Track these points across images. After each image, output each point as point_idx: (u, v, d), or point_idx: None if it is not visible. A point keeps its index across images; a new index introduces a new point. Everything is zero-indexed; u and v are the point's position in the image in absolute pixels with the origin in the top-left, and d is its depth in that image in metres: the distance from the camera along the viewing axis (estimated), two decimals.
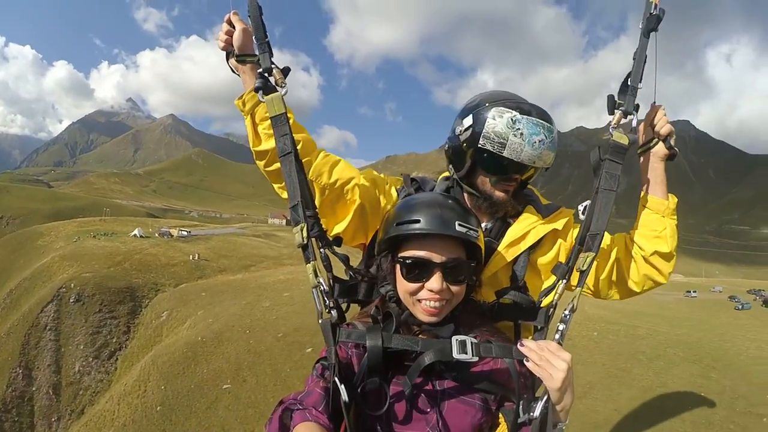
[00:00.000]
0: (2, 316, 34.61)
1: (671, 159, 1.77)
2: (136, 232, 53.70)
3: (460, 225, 1.38)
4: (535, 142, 1.60)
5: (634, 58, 1.71)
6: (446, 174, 1.94)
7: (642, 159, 1.80)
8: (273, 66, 1.69)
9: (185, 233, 57.70)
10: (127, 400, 19.02)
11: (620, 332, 16.68)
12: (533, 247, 1.76)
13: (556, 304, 1.59)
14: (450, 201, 1.50)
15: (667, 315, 25.06)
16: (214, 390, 15.77)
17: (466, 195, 1.82)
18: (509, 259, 1.73)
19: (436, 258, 1.38)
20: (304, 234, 1.53)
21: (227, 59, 1.82)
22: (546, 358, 1.31)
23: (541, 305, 1.64)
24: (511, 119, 1.59)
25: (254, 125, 1.74)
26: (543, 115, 1.63)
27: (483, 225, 1.74)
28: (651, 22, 1.68)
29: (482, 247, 1.51)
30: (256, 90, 1.68)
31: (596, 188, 1.62)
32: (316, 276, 1.52)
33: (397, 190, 1.91)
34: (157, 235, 56.29)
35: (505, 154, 1.60)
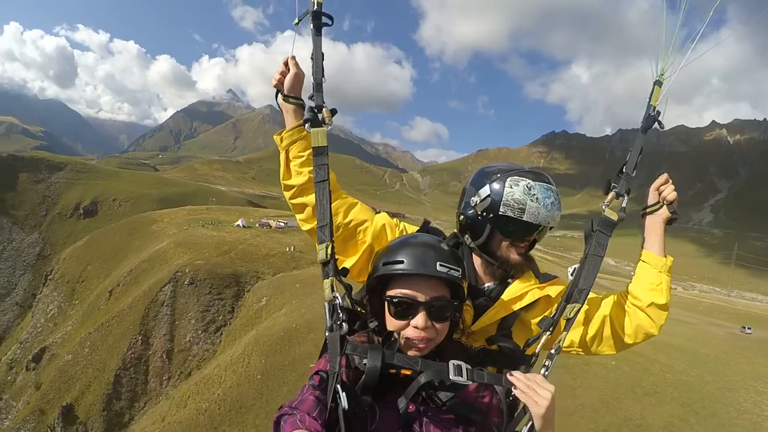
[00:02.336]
0: (123, 290, 40.91)
1: (671, 223, 1.88)
2: (239, 222, 57.11)
3: (441, 265, 1.42)
4: (548, 205, 1.76)
5: (630, 150, 1.89)
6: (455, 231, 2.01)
7: (646, 220, 1.91)
8: (324, 105, 1.80)
9: (282, 224, 60.03)
10: (233, 368, 23.80)
11: (636, 364, 17.41)
12: (526, 307, 1.86)
13: (538, 353, 1.65)
14: (434, 242, 1.55)
15: (699, 352, 24.66)
16: (303, 367, 19.80)
17: (478, 260, 1.94)
18: (502, 315, 1.82)
19: (421, 297, 1.43)
20: (329, 252, 1.61)
21: (276, 96, 1.97)
22: (532, 387, 1.40)
23: (525, 353, 1.68)
24: (527, 186, 1.76)
25: (287, 161, 1.88)
26: (549, 180, 1.82)
27: (486, 285, 1.90)
28: (649, 122, 1.87)
29: (464, 286, 1.53)
30: (305, 122, 1.80)
31: (586, 254, 1.76)
32: (333, 291, 1.56)
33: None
34: (257, 225, 59.67)
35: (525, 218, 1.75)
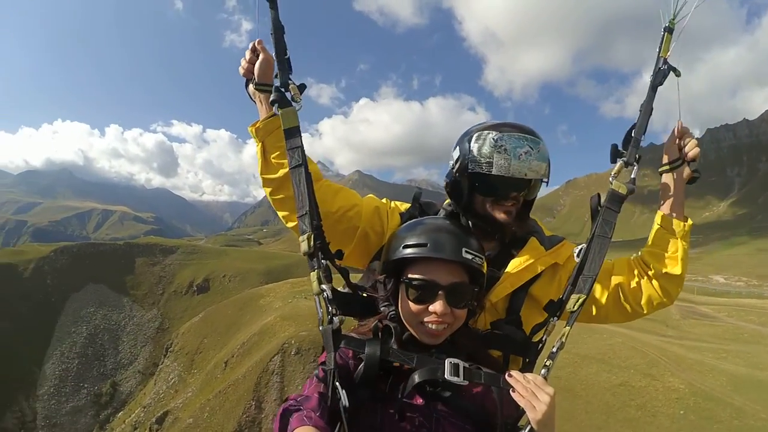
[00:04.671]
0: (237, 361, 45.31)
1: (692, 182, 1.74)
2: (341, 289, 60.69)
3: (466, 251, 1.42)
4: (521, 155, 1.62)
5: (640, 110, 1.71)
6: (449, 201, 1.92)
7: (663, 178, 1.76)
8: (290, 82, 1.70)
9: None
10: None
11: (705, 411, 16.31)
12: (533, 280, 1.75)
13: (545, 341, 1.62)
14: (457, 227, 1.54)
15: None
16: None
17: (471, 224, 1.80)
18: (511, 289, 1.72)
19: (442, 281, 1.41)
20: (311, 243, 1.52)
21: (246, 86, 1.84)
22: (531, 390, 1.32)
23: (532, 340, 1.66)
24: (493, 139, 1.65)
25: (264, 153, 1.76)
26: (525, 130, 1.68)
27: (487, 253, 1.63)
28: (659, 77, 1.69)
29: (485, 273, 1.53)
30: (272, 103, 1.68)
31: (592, 234, 1.62)
32: (320, 283, 1.50)
33: (401, 214, 1.89)
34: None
35: (494, 172, 1.63)
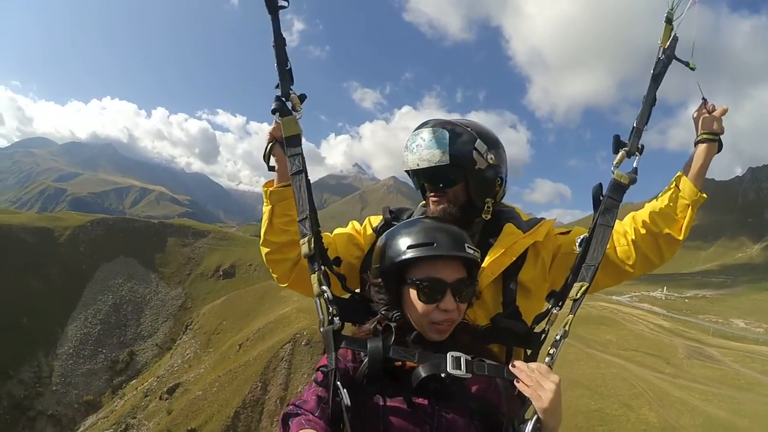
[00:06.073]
0: (251, 345, 47.45)
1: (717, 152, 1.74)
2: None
3: (468, 247, 1.43)
4: (413, 147, 1.71)
5: (642, 101, 1.68)
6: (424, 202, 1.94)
7: (697, 147, 1.74)
8: (291, 92, 1.71)
9: None
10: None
11: None
12: (519, 266, 1.74)
13: (548, 331, 1.61)
14: (452, 225, 1.54)
15: None
16: None
17: None
18: (492, 277, 1.70)
19: (448, 279, 1.40)
20: (312, 245, 1.55)
21: (269, 148, 1.77)
22: (536, 380, 1.30)
23: (534, 331, 1.65)
24: (407, 141, 1.76)
25: (272, 216, 1.75)
26: (426, 124, 1.75)
27: None
28: (660, 67, 1.67)
29: (480, 265, 1.56)
30: (273, 111, 1.70)
31: (594, 222, 1.61)
32: (321, 285, 1.51)
33: (373, 229, 1.95)
34: None
35: (405, 168, 1.78)
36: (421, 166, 1.71)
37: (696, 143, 1.75)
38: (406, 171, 1.80)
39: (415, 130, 1.75)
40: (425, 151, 1.69)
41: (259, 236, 1.82)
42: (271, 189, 1.77)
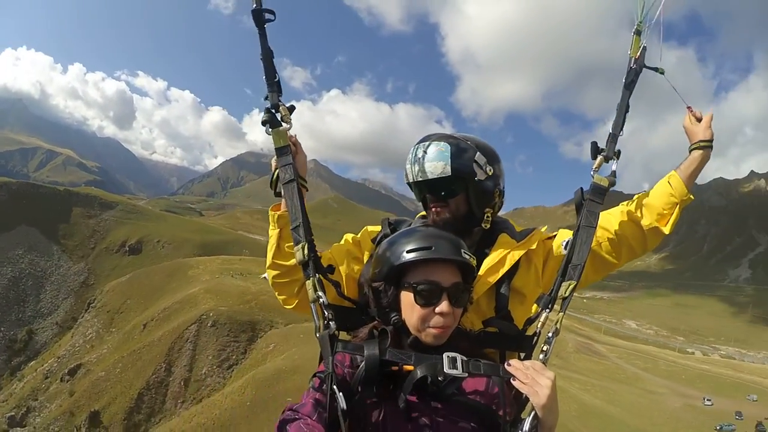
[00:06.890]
0: (156, 325, 47.87)
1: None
2: (265, 275, 64.40)
3: (465, 252, 1.45)
4: (413, 159, 1.76)
5: (617, 109, 1.78)
6: (423, 213, 1.99)
7: (693, 152, 1.82)
8: (281, 103, 1.77)
9: None
10: (231, 396, 30.40)
11: None
12: (512, 273, 1.77)
13: (539, 333, 1.60)
14: (449, 233, 1.54)
15: (629, 425, 24.11)
16: (282, 399, 25.78)
17: None
18: (488, 285, 1.74)
19: (444, 282, 1.41)
20: (305, 252, 1.58)
21: (274, 179, 1.80)
22: (531, 377, 1.33)
23: (526, 334, 1.66)
24: (409, 153, 1.79)
25: (280, 240, 1.77)
26: (428, 138, 1.77)
27: None
28: (631, 75, 1.77)
29: (476, 270, 1.55)
30: (263, 123, 1.75)
31: (578, 225, 1.68)
32: (316, 290, 1.53)
33: (372, 240, 1.95)
34: None
35: (406, 181, 1.82)
36: (423, 178, 1.75)
37: (691, 150, 1.84)
38: (408, 183, 1.85)
39: (417, 143, 1.79)
40: (428, 164, 1.72)
41: (266, 260, 1.85)
42: (278, 213, 1.78)
